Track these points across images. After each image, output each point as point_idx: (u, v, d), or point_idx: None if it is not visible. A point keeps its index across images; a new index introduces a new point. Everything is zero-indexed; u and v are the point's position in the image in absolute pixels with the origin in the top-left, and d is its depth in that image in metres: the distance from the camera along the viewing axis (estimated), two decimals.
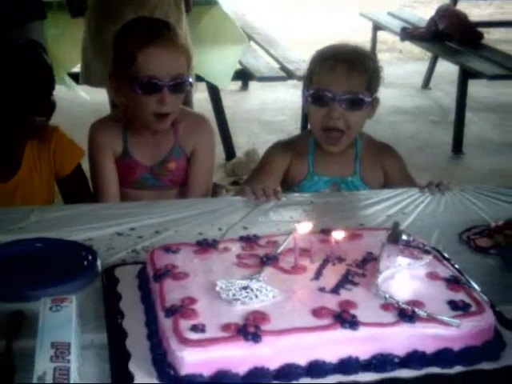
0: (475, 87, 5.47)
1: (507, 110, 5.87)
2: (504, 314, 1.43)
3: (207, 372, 1.22)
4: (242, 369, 1.23)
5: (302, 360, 1.25)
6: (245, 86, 6.31)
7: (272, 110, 5.82)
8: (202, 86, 4.65)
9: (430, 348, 1.29)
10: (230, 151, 4.77)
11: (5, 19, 3.18)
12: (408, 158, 2.53)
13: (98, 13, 3.64)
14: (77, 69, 4.42)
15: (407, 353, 1.28)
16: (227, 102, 5.09)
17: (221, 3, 4.46)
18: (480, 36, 5.80)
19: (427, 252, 1.51)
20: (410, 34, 6.01)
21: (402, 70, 6.93)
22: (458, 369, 1.29)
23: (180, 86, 2.27)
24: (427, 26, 5.93)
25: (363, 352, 1.28)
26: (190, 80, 2.32)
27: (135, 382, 1.23)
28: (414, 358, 1.28)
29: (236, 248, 1.58)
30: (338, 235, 1.53)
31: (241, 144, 4.86)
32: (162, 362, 1.26)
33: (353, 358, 1.27)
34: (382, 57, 6.69)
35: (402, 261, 1.48)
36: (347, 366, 1.27)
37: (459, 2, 6.51)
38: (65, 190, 2.38)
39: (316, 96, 2.26)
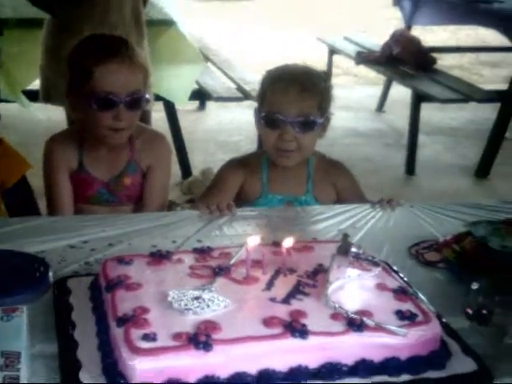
0: (428, 111, 5.56)
1: (459, 133, 5.99)
2: (450, 325, 1.46)
3: (158, 381, 1.23)
4: (192, 377, 1.24)
5: (252, 369, 1.27)
6: (202, 107, 6.33)
7: (228, 130, 5.85)
8: (160, 106, 4.66)
9: (377, 357, 1.31)
10: (186, 170, 4.79)
11: None
12: (363, 179, 2.56)
13: (57, 30, 3.61)
14: (32, 86, 4.40)
15: (355, 361, 1.31)
16: (184, 121, 5.10)
17: (178, 24, 4.50)
18: (433, 61, 5.90)
19: (376, 264, 1.55)
20: (365, 58, 6.09)
21: (357, 94, 7.02)
22: (404, 377, 1.31)
23: (136, 102, 2.28)
24: (382, 50, 6.00)
25: (312, 361, 1.29)
26: (147, 96, 2.33)
27: None
28: (362, 367, 1.31)
29: (189, 259, 1.58)
30: (289, 243, 1.55)
31: (197, 163, 4.88)
32: (112, 371, 1.27)
33: (302, 367, 1.29)
34: (338, 81, 6.81)
35: (352, 272, 1.50)
36: (296, 374, 1.28)
37: (413, 28, 6.62)
38: (8, 202, 2.34)
39: (268, 119, 2.26)
